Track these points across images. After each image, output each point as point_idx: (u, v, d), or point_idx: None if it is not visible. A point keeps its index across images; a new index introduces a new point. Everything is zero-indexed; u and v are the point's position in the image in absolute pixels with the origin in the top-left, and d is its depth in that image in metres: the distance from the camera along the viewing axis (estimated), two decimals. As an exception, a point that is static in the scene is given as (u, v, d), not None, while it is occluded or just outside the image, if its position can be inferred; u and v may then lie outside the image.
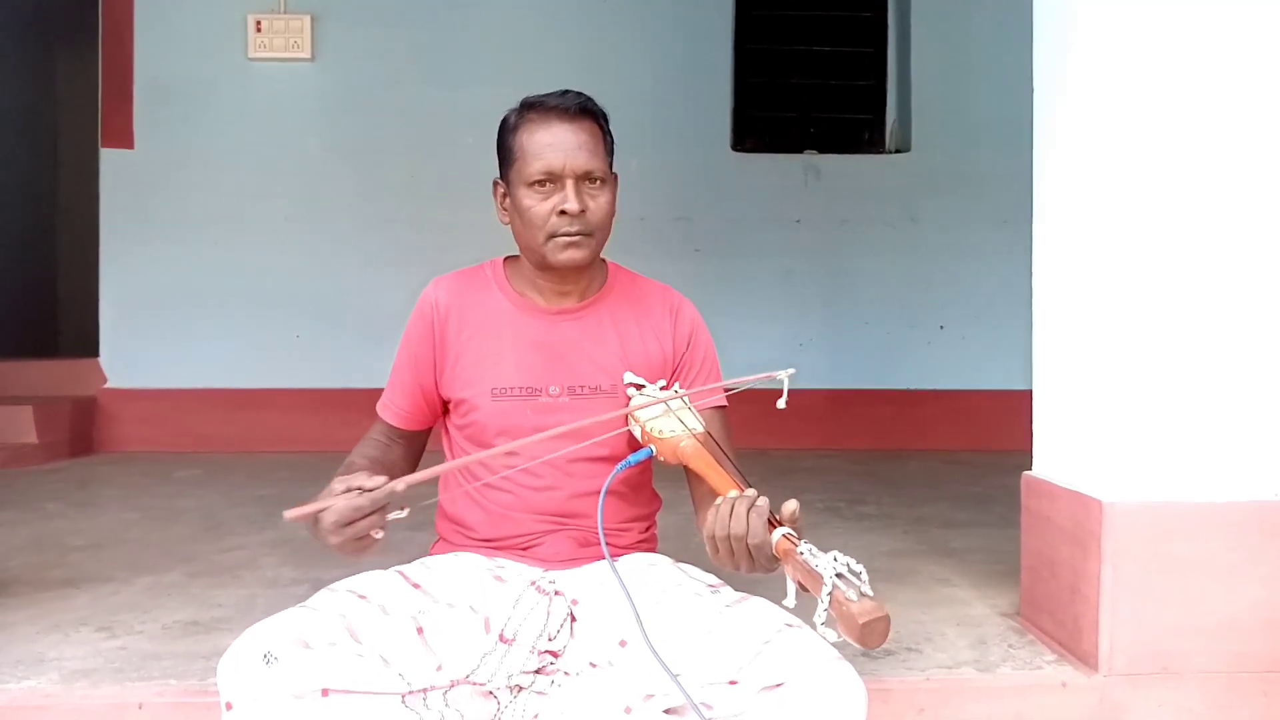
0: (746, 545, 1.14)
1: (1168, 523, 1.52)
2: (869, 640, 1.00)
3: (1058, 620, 1.64)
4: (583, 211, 1.38)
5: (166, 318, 4.24)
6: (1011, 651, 1.62)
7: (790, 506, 1.16)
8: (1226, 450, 1.55)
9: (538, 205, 1.39)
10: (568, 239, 1.40)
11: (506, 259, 1.54)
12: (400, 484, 1.18)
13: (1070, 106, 1.61)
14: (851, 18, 4.61)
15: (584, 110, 1.40)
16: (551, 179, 1.38)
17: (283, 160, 4.28)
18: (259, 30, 4.22)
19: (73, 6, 4.89)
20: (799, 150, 4.51)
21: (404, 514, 1.20)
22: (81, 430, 4.09)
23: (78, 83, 5.13)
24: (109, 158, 4.25)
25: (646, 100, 4.16)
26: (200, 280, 4.24)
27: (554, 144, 1.38)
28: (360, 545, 1.19)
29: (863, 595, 1.02)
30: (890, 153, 4.56)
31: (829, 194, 4.44)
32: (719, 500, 1.19)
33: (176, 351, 4.24)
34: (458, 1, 4.30)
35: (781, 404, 1.18)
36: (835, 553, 1.06)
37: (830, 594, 1.02)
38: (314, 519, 1.18)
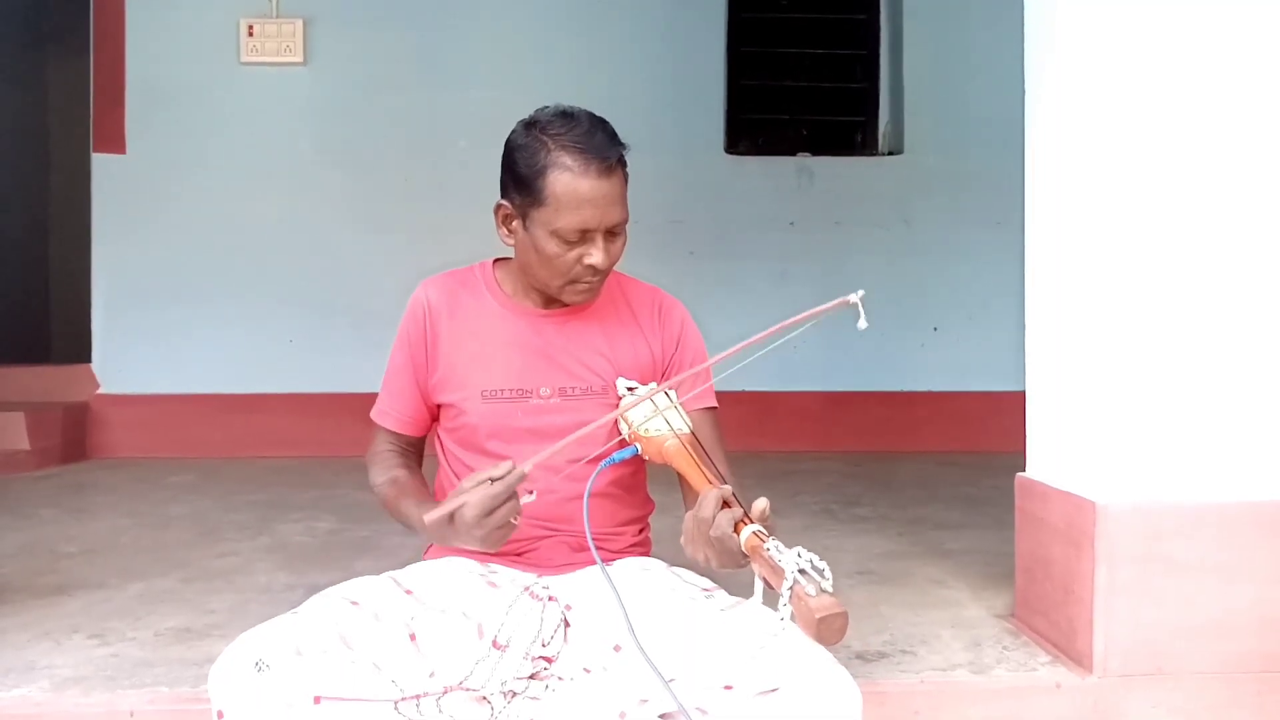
0: (708, 535, 1.15)
1: (1161, 523, 1.52)
2: (826, 636, 1.00)
3: (1052, 622, 1.64)
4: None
5: (159, 323, 4.22)
6: (1006, 653, 1.62)
7: (760, 504, 1.16)
8: (1220, 451, 1.55)
9: (563, 255, 1.36)
10: (587, 285, 1.40)
11: (496, 261, 1.54)
12: (527, 465, 1.21)
13: (1061, 108, 1.61)
14: (844, 20, 4.62)
15: (619, 160, 1.35)
16: (583, 234, 1.35)
17: (275, 165, 4.27)
18: (251, 35, 4.21)
19: (64, 11, 4.88)
20: (792, 153, 4.51)
21: (533, 497, 1.26)
22: (74, 436, 4.07)
23: (69, 87, 5.11)
24: (101, 163, 4.24)
25: (639, 104, 4.16)
26: (193, 285, 4.23)
27: (592, 200, 1.32)
28: (502, 533, 1.23)
29: (822, 591, 1.02)
30: (883, 155, 4.57)
31: (822, 196, 4.44)
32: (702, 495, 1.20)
33: (169, 357, 4.22)
34: (450, 6, 4.30)
35: (862, 324, 1.10)
36: (799, 549, 1.06)
37: (790, 589, 1.02)
38: (450, 518, 1.21)
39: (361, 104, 4.28)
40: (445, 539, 1.27)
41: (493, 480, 1.20)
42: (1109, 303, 1.55)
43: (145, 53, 4.22)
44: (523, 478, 1.21)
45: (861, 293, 1.11)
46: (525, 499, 1.24)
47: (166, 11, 4.22)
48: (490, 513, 1.20)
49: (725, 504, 1.19)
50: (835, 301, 1.12)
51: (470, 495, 1.20)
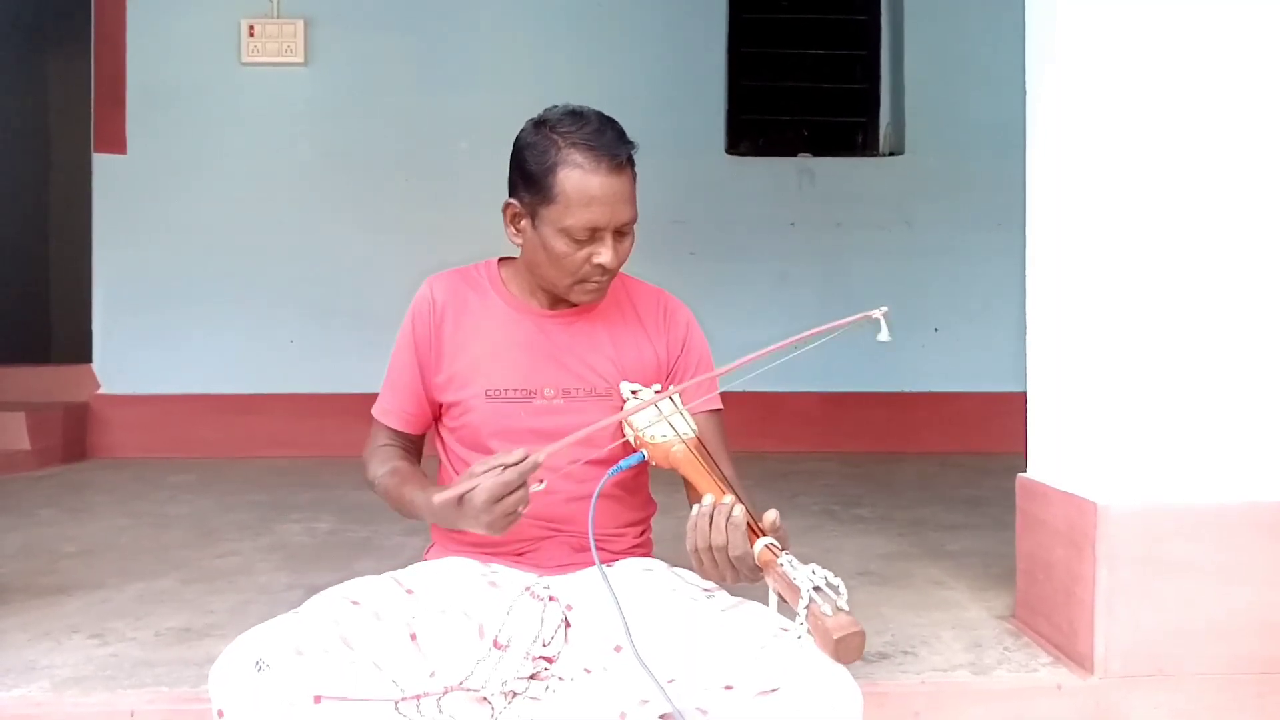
0: (728, 557, 1.14)
1: (1162, 525, 1.52)
2: (843, 655, 1.00)
3: (1053, 623, 1.64)
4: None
5: (159, 323, 4.22)
6: (1007, 654, 1.62)
7: (770, 516, 1.16)
8: (1220, 452, 1.55)
9: (573, 253, 1.35)
10: (595, 285, 1.39)
11: (500, 260, 1.54)
12: (540, 454, 1.21)
13: (1061, 109, 1.61)
14: (845, 21, 4.62)
15: (629, 159, 1.35)
16: (593, 232, 1.35)
17: (276, 165, 4.27)
18: (251, 35, 4.21)
19: (65, 11, 4.88)
20: (793, 153, 4.51)
21: (542, 485, 1.25)
22: (74, 436, 4.07)
23: (70, 88, 5.11)
24: (101, 163, 4.24)
25: (640, 104, 4.13)
26: (193, 285, 4.23)
27: (602, 198, 1.32)
28: (508, 520, 1.22)
29: (838, 610, 1.01)
30: (884, 156, 4.57)
31: (823, 197, 4.44)
32: (694, 510, 1.19)
33: (169, 357, 4.22)
34: (451, 7, 4.30)
35: (884, 337, 1.12)
36: (814, 565, 1.06)
37: (807, 607, 1.02)
38: (459, 501, 1.21)
39: (362, 105, 4.28)
40: (451, 522, 1.27)
41: (505, 467, 1.20)
42: (1109, 304, 1.55)
43: (146, 53, 4.22)
44: (536, 467, 1.21)
45: (886, 309, 1.12)
46: (535, 488, 1.24)
47: (167, 12, 4.23)
48: (500, 499, 1.19)
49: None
50: (859, 315, 1.14)
51: (483, 479, 1.20)
